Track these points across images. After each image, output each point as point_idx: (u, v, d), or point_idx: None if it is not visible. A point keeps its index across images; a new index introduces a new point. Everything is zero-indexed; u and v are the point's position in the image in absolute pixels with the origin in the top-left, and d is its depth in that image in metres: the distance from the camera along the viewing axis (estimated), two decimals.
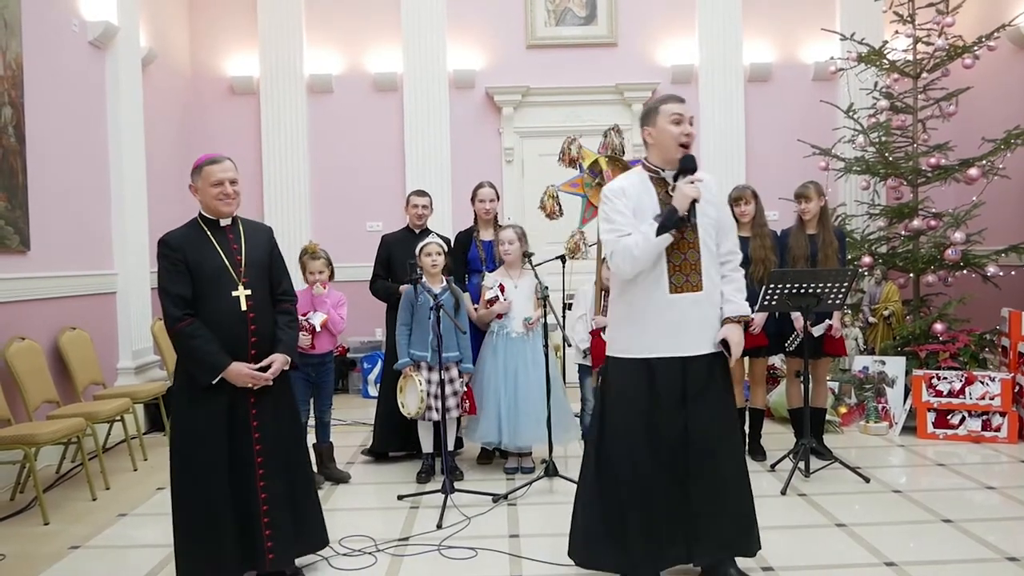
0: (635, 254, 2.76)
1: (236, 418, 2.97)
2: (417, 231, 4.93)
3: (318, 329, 4.29)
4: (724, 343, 2.86)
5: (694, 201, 2.73)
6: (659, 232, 2.73)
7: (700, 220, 2.82)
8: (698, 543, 2.82)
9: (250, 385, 2.96)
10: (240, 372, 2.94)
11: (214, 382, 2.92)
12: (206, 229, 3.06)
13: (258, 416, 3.00)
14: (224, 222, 3.09)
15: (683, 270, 2.80)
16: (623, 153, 4.67)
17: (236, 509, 2.93)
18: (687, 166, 2.80)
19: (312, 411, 4.44)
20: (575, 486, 4.06)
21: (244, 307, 3.00)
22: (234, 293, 2.99)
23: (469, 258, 4.80)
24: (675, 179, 2.84)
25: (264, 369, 3.00)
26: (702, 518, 2.81)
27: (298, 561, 3.20)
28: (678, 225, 2.74)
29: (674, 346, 2.80)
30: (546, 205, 4.72)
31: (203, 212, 3.09)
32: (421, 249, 4.36)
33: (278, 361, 3.04)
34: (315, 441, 4.44)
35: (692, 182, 2.76)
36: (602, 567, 2.95)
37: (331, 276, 4.44)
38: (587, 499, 2.96)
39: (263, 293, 3.08)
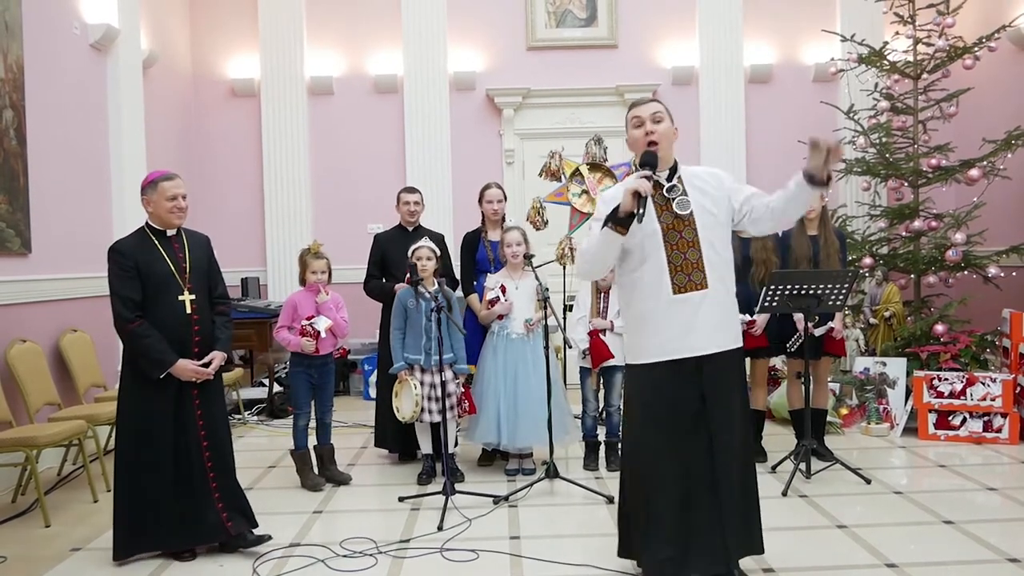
0: (585, 251, 2.78)
1: (183, 408, 3.31)
2: (410, 228, 4.93)
3: (323, 335, 4.29)
4: (814, 142, 2.56)
5: (642, 197, 2.57)
6: (603, 226, 2.66)
7: (699, 217, 2.76)
8: (727, 551, 2.79)
9: (194, 379, 3.31)
10: (186, 368, 3.28)
11: (161, 376, 3.24)
12: (154, 238, 3.36)
13: (202, 406, 3.36)
14: (170, 232, 3.39)
15: (684, 269, 2.74)
16: (604, 162, 4.73)
17: (183, 488, 3.27)
18: (646, 160, 2.70)
19: (313, 413, 4.44)
20: (577, 488, 4.14)
21: (189, 310, 3.34)
22: (180, 298, 3.32)
23: (478, 259, 4.78)
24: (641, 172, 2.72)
25: (206, 365, 3.34)
26: (730, 525, 2.78)
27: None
28: (622, 221, 2.60)
29: (686, 347, 2.74)
30: (530, 216, 4.79)
31: (151, 223, 3.37)
32: (412, 252, 4.37)
33: (217, 358, 3.40)
34: (316, 443, 4.46)
35: (644, 177, 2.61)
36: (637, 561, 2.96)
37: (328, 279, 4.44)
38: (620, 502, 2.99)
39: (203, 297, 3.43)
